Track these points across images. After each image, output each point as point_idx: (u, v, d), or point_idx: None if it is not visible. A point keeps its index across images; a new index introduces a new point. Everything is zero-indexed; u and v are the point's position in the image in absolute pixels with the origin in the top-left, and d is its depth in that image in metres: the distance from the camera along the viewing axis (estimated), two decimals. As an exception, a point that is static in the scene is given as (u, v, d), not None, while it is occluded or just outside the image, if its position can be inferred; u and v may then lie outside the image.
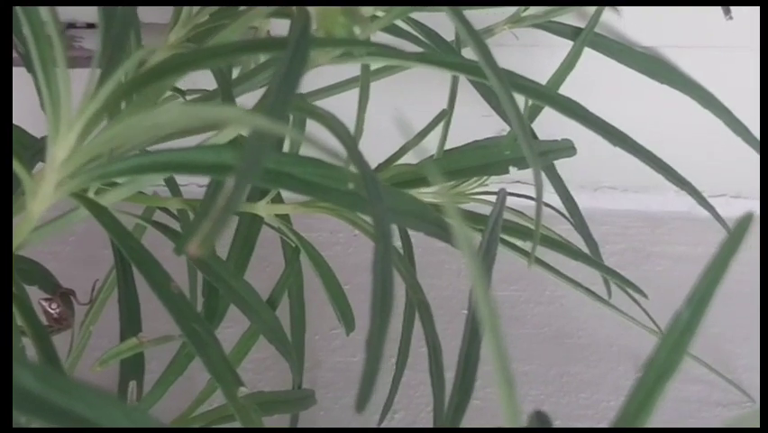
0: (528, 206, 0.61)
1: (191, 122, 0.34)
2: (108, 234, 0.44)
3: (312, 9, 0.41)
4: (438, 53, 0.47)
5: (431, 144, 0.62)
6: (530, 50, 0.75)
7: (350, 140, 0.43)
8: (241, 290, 0.50)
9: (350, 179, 0.44)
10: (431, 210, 0.46)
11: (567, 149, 0.60)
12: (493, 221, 0.47)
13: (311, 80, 0.62)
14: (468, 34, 0.41)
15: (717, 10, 0.64)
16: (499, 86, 0.42)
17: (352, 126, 0.58)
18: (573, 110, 0.48)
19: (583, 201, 0.68)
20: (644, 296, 0.56)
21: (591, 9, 0.65)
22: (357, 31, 0.43)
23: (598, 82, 0.75)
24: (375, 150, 0.63)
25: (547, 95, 0.47)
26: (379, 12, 0.48)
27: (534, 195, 0.61)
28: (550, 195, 0.63)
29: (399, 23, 0.57)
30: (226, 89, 0.51)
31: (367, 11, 0.48)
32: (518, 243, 0.58)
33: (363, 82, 0.52)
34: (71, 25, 0.74)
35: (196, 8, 0.57)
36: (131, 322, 0.53)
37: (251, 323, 0.53)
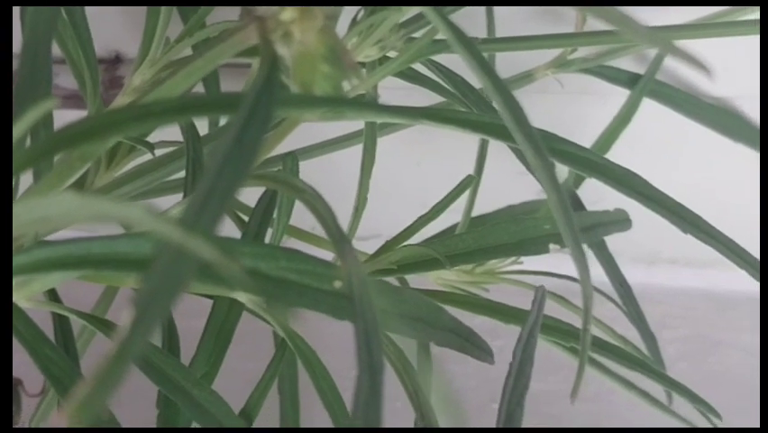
0: (571, 289, 0.51)
1: (88, 218, 0.23)
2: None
3: (286, 52, 0.30)
4: (452, 110, 0.37)
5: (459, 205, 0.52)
6: (578, 98, 0.65)
7: (334, 225, 0.32)
8: (205, 400, 0.40)
9: (336, 276, 0.33)
10: (445, 315, 0.36)
11: (621, 222, 0.49)
12: (528, 332, 0.36)
13: (308, 133, 0.52)
14: (490, 83, 0.30)
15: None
16: (534, 156, 0.31)
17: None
18: (633, 186, 0.37)
19: (637, 277, 0.56)
20: (719, 417, 0.45)
21: (652, 52, 0.55)
22: (349, 83, 0.32)
23: (652, 138, 0.65)
24: (389, 219, 0.53)
25: (598, 165, 0.37)
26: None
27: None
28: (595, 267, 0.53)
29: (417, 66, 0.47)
30: (195, 148, 0.41)
31: (369, 51, 0.38)
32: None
33: (368, 142, 0.42)
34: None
35: (171, 39, 0.47)
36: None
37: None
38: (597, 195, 0.52)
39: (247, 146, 0.25)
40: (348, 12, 0.39)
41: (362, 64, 0.40)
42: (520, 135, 0.30)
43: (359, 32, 0.36)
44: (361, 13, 0.37)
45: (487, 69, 0.29)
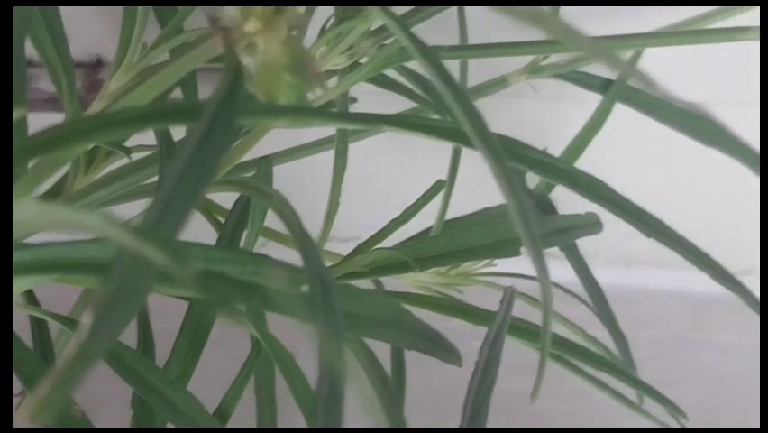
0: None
1: (49, 225, 0.24)
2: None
3: (250, 62, 0.31)
4: (417, 117, 0.38)
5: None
6: (557, 103, 0.66)
7: (300, 229, 0.33)
8: (179, 400, 0.41)
9: (303, 279, 0.34)
10: (412, 318, 0.37)
11: (591, 225, 0.50)
12: (495, 331, 0.37)
13: (290, 135, 0.53)
14: (448, 90, 0.30)
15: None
16: (493, 162, 0.32)
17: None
18: (597, 191, 0.38)
19: (613, 278, 0.57)
20: (685, 417, 0.46)
21: (625, 58, 0.55)
22: (313, 92, 0.33)
23: (626, 142, 0.65)
24: (371, 221, 0.53)
25: (562, 171, 0.38)
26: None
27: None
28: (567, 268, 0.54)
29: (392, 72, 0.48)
30: (168, 153, 0.42)
31: (338, 60, 0.39)
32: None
33: (339, 146, 0.42)
34: (28, 63, 0.65)
35: (148, 43, 0.47)
36: None
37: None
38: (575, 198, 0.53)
39: (209, 154, 0.26)
40: (318, 20, 0.40)
41: (333, 72, 0.40)
42: (479, 141, 0.31)
43: (327, 40, 0.37)
44: (331, 21, 0.38)
45: (444, 76, 0.30)
